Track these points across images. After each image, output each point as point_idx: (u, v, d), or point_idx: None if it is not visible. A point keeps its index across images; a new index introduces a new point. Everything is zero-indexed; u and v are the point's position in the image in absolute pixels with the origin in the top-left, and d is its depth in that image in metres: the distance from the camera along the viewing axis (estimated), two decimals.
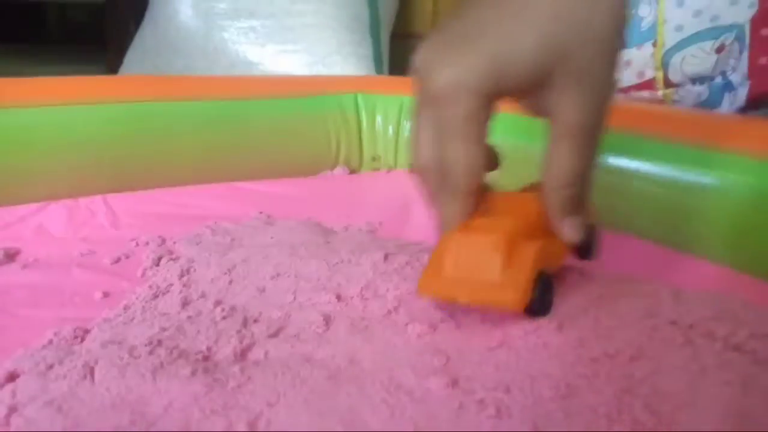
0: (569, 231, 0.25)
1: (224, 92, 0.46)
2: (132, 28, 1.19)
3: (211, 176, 0.45)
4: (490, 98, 0.24)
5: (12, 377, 0.24)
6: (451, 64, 0.23)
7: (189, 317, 0.28)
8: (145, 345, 0.25)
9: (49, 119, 0.40)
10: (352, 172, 0.54)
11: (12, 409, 0.21)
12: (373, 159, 0.53)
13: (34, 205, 0.40)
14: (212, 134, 0.45)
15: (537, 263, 0.23)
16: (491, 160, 0.27)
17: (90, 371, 0.23)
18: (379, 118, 0.52)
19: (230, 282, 0.32)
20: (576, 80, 0.23)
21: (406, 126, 0.53)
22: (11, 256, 0.35)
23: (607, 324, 0.23)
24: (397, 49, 1.15)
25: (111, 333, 0.27)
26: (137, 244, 0.38)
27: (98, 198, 0.41)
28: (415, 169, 0.27)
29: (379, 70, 0.98)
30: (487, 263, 0.23)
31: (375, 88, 0.54)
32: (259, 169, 0.47)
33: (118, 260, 0.36)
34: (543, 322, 0.24)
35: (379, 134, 0.52)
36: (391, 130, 0.52)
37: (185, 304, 0.29)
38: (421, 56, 0.25)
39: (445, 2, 1.21)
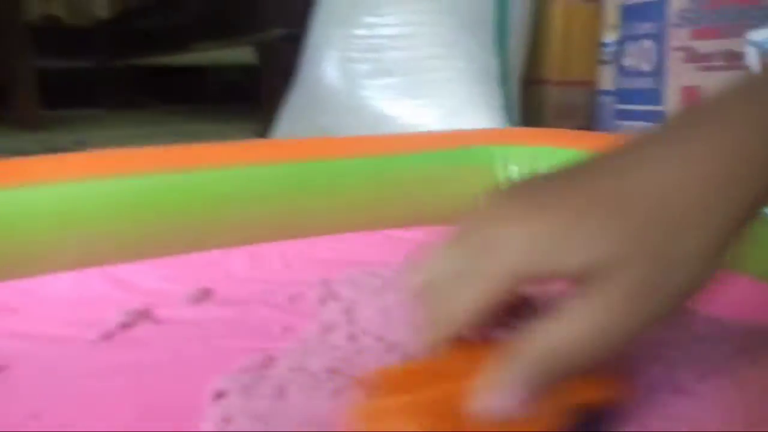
0: (485, 402, 0.20)
1: (377, 150, 0.52)
2: (283, 89, 1.33)
3: (365, 225, 0.50)
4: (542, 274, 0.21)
5: (220, 395, 0.29)
6: (522, 218, 0.21)
7: (356, 351, 0.32)
8: (325, 372, 0.29)
9: (232, 181, 0.48)
10: None
11: (226, 420, 0.27)
12: None
13: (219, 251, 0.48)
14: (367, 188, 0.50)
15: None
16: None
17: (283, 392, 0.28)
18: (513, 168, 0.55)
19: (387, 321, 0.36)
20: (622, 288, 0.20)
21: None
22: (207, 294, 0.42)
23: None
24: (527, 95, 1.18)
25: (294, 361, 0.32)
26: (306, 286, 0.43)
27: (273, 245, 0.48)
28: (419, 278, 0.25)
29: (509, 117, 1.01)
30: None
31: (508, 139, 0.57)
32: (406, 217, 0.52)
33: (291, 299, 0.41)
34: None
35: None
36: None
37: (351, 339, 0.34)
38: (498, 193, 0.24)
39: (574, 47, 1.23)
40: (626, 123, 1.17)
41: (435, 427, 0.20)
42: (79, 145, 1.29)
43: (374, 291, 0.41)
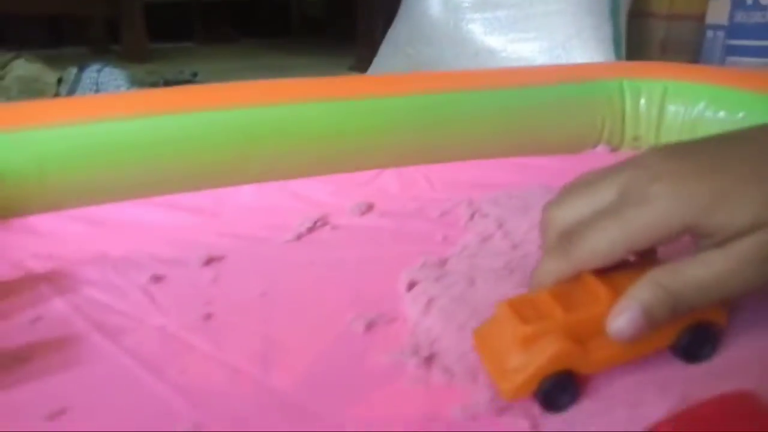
0: (619, 322, 0.23)
1: (511, 82, 0.55)
2: (381, 24, 1.35)
3: (499, 152, 0.54)
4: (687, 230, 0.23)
5: (413, 284, 0.35)
6: (679, 177, 0.23)
7: (521, 256, 0.37)
8: (501, 270, 0.35)
9: (382, 110, 0.53)
10: (613, 150, 0.60)
11: (430, 301, 0.32)
12: (634, 139, 0.59)
13: (370, 172, 0.53)
14: (501, 118, 0.54)
15: (552, 364, 0.23)
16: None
17: (471, 281, 0.34)
18: (642, 101, 0.57)
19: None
20: None
21: (670, 109, 0.57)
22: (370, 207, 0.48)
23: None
24: (631, 28, 1.16)
25: (466, 262, 0.37)
26: (452, 204, 0.48)
27: (418, 168, 0.54)
28: (552, 221, 0.27)
29: (617, 52, 1.00)
30: (508, 347, 0.24)
31: (639, 73, 0.59)
32: (534, 146, 0.56)
33: (442, 214, 0.47)
34: None
35: (642, 116, 0.58)
36: (654, 112, 0.57)
37: (513, 246, 0.39)
38: (652, 151, 0.25)
39: None
40: (735, 59, 1.14)
41: (580, 344, 0.23)
42: (194, 77, 1.37)
43: (518, 209, 0.46)
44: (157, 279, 0.37)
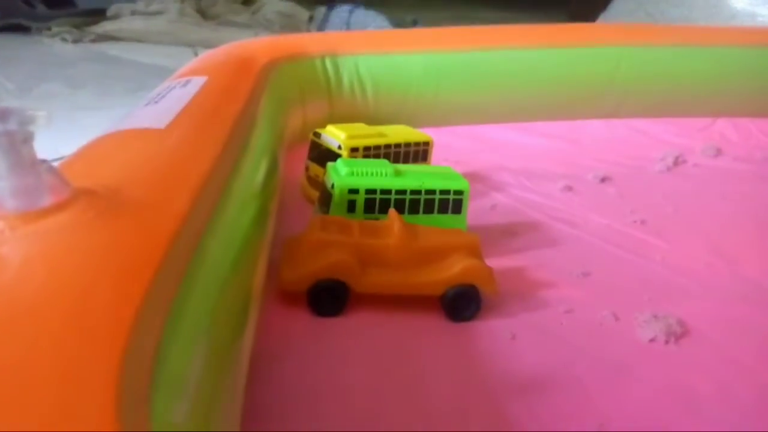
0: None
1: None
2: None
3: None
4: None
5: None
6: None
7: None
8: None
9: (716, 56, 0.55)
10: None
11: None
12: None
13: (704, 120, 0.56)
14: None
15: (327, 269, 0.26)
16: None
17: None
18: None
19: None
20: None
21: None
22: (719, 151, 0.51)
23: None
24: None
25: None
26: None
27: (749, 119, 0.56)
28: None
29: None
30: (305, 249, 0.27)
31: None
32: None
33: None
34: None
35: None
36: None
37: None
38: None
39: None
40: None
41: (360, 265, 0.27)
42: (414, 24, 1.43)
43: None
44: (568, 188, 0.43)
